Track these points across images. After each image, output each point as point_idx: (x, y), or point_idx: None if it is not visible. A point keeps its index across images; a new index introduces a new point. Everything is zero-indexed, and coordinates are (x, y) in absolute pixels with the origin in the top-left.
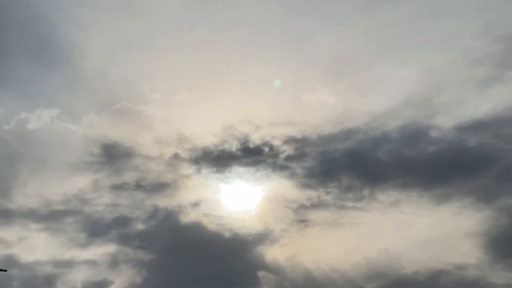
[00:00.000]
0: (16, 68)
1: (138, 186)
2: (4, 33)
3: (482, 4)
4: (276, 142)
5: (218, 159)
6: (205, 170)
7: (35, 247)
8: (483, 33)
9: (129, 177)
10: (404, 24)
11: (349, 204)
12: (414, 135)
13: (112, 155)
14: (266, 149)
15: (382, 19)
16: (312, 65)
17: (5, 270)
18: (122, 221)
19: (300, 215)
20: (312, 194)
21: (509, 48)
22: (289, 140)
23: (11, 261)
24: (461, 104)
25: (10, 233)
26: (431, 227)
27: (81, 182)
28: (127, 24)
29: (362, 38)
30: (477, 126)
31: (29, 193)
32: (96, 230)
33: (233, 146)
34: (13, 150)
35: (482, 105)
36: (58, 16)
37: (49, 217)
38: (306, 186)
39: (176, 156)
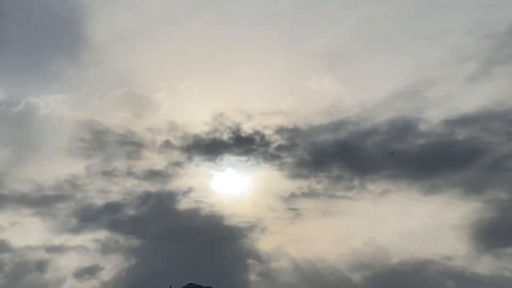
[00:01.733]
0: (17, 54)
1: (130, 173)
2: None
3: (472, 2)
4: (268, 132)
5: (210, 148)
6: (196, 158)
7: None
8: (473, 30)
9: (121, 163)
10: (395, 20)
11: (340, 193)
12: (403, 128)
13: (104, 141)
14: (258, 139)
15: (373, 14)
16: (305, 56)
17: None
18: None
19: (291, 203)
20: (303, 183)
21: (498, 45)
22: (281, 130)
23: (3, 246)
24: (449, 99)
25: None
26: (419, 218)
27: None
28: (123, 16)
29: (354, 32)
30: (465, 120)
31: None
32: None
33: (224, 135)
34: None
35: (470, 100)
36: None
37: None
38: (297, 175)
39: (167, 144)
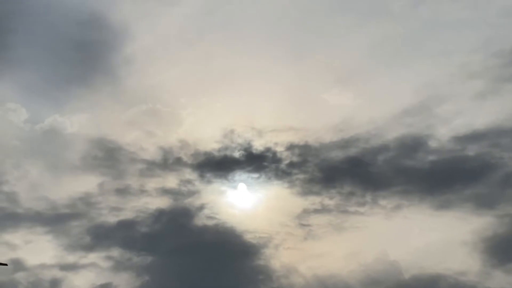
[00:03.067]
0: (37, 72)
1: (142, 191)
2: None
3: (479, 20)
4: (279, 148)
5: (221, 165)
6: (209, 175)
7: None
8: (480, 48)
9: (134, 181)
10: (404, 38)
11: (352, 209)
12: (413, 144)
13: (117, 159)
14: (270, 155)
15: (383, 32)
16: (315, 73)
17: (6, 264)
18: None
19: (304, 219)
20: (315, 199)
21: (505, 63)
22: (292, 147)
23: (17, 264)
24: (459, 116)
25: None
26: (432, 233)
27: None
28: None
29: (364, 50)
30: (475, 136)
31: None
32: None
33: (236, 152)
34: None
35: (479, 116)
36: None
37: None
38: (308, 192)
39: (178, 162)
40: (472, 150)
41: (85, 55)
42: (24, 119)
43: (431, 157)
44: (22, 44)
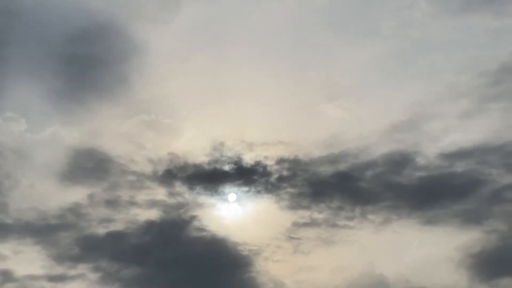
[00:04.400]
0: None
1: (132, 203)
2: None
3: (466, 41)
4: (269, 162)
5: (211, 177)
6: (198, 187)
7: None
8: (466, 68)
9: (124, 192)
10: (393, 57)
11: (341, 223)
12: (402, 160)
13: (107, 170)
14: (260, 169)
15: (373, 52)
16: (306, 89)
17: None
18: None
19: (293, 233)
20: (304, 213)
21: (491, 82)
22: (282, 161)
23: (6, 275)
24: (446, 133)
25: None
26: (420, 247)
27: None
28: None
29: (355, 68)
30: (462, 154)
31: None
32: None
33: (226, 165)
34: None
35: (466, 134)
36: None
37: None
38: (298, 205)
39: (168, 174)
40: (460, 167)
41: (82, 68)
42: (23, 129)
43: (419, 173)
44: (19, 57)
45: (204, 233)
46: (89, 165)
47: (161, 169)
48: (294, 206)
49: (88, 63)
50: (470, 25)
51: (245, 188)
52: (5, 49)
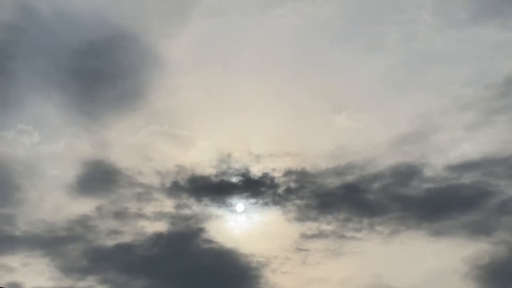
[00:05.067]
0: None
1: (140, 215)
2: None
3: (471, 54)
4: (277, 174)
5: (218, 189)
6: (205, 199)
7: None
8: (472, 81)
9: (132, 204)
10: (399, 70)
11: (349, 234)
12: (408, 173)
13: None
14: (267, 181)
15: (378, 64)
16: (312, 101)
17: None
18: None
19: (301, 244)
20: (312, 225)
21: (497, 95)
22: (289, 173)
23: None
24: (452, 146)
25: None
26: (428, 258)
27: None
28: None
29: (361, 80)
30: (469, 165)
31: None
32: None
33: (233, 177)
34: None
35: (472, 146)
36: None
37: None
38: (306, 217)
39: (176, 186)
40: (467, 178)
41: (92, 81)
42: (35, 142)
43: (427, 185)
44: (29, 72)
45: (212, 245)
46: (97, 177)
47: (168, 181)
48: (301, 218)
49: (98, 77)
50: (475, 38)
51: (253, 200)
52: (19, 62)
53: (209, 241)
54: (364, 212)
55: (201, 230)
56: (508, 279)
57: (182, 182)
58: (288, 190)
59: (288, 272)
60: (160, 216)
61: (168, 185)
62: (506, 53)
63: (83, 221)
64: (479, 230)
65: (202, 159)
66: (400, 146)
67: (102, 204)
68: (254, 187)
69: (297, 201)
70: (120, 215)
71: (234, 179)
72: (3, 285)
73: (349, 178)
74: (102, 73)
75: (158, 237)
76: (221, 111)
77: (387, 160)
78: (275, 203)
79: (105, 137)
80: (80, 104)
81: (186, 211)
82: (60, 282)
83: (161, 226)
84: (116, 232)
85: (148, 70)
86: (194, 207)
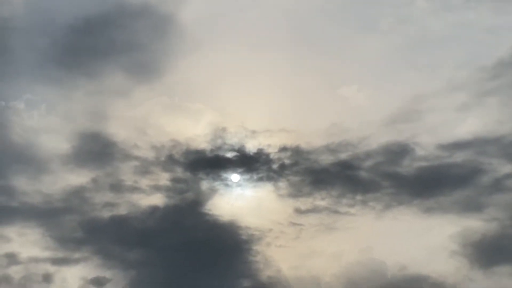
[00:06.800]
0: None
1: (135, 188)
2: None
3: (464, 36)
4: (272, 150)
5: (213, 163)
6: (201, 173)
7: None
8: (464, 63)
9: (127, 177)
10: (392, 52)
11: (343, 209)
12: (400, 151)
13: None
14: (262, 156)
15: (372, 46)
16: (308, 79)
17: None
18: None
19: (296, 218)
20: (306, 200)
21: (488, 77)
22: (284, 149)
23: (11, 258)
24: (444, 126)
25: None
26: (420, 234)
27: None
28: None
29: (356, 61)
30: (461, 145)
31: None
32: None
33: (228, 152)
34: None
35: (464, 127)
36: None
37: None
38: (300, 193)
39: (171, 160)
40: (459, 157)
41: (85, 57)
42: (29, 114)
43: (419, 163)
44: (26, 46)
45: (207, 218)
46: (93, 150)
47: (163, 154)
48: (296, 194)
49: (91, 52)
50: (468, 21)
51: (247, 175)
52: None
53: (204, 214)
54: (358, 188)
55: (196, 203)
56: (499, 256)
57: (176, 156)
58: (283, 166)
59: (283, 246)
60: (155, 189)
61: (163, 158)
62: (499, 36)
63: (79, 193)
64: (470, 207)
65: (197, 133)
66: (393, 125)
67: (97, 176)
68: (249, 162)
69: (292, 177)
70: (116, 187)
71: (229, 154)
72: (0, 255)
73: (343, 156)
74: (99, 49)
75: (153, 210)
76: (217, 87)
77: (381, 138)
78: (270, 178)
79: (101, 111)
80: (76, 77)
81: (182, 185)
82: (55, 253)
83: (156, 199)
84: (111, 204)
85: (144, 47)
86: (189, 181)
